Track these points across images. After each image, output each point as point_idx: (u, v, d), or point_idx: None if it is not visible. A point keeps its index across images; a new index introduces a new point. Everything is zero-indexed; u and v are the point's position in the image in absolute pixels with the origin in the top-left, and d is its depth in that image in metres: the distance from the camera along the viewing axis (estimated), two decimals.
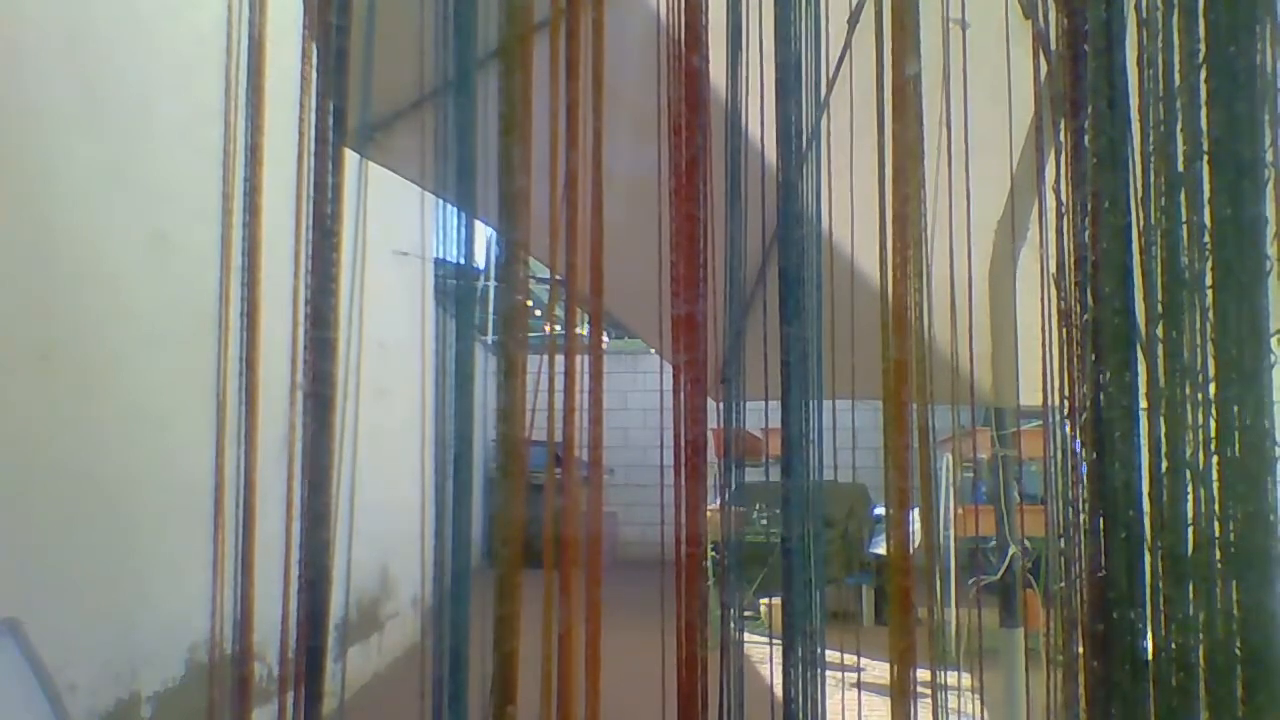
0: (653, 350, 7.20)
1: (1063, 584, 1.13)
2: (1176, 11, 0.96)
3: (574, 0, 1.04)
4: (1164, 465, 0.95)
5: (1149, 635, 0.96)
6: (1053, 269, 1.18)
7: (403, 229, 4.72)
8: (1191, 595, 0.93)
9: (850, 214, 1.49)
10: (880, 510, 7.32)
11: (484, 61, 1.01)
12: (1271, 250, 0.91)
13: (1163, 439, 0.95)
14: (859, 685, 2.17)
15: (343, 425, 1.11)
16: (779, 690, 1.08)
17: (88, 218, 2.91)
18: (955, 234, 1.66)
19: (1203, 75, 0.93)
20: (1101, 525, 0.99)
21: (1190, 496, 0.93)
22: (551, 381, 1.03)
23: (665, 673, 1.08)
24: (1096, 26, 1.00)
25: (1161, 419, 0.96)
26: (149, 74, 3.19)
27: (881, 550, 6.69)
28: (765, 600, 6.67)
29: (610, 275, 1.08)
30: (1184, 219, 0.95)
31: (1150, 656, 0.95)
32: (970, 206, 1.64)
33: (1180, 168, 0.96)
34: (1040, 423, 1.35)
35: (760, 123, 1.14)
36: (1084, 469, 1.03)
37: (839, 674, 2.20)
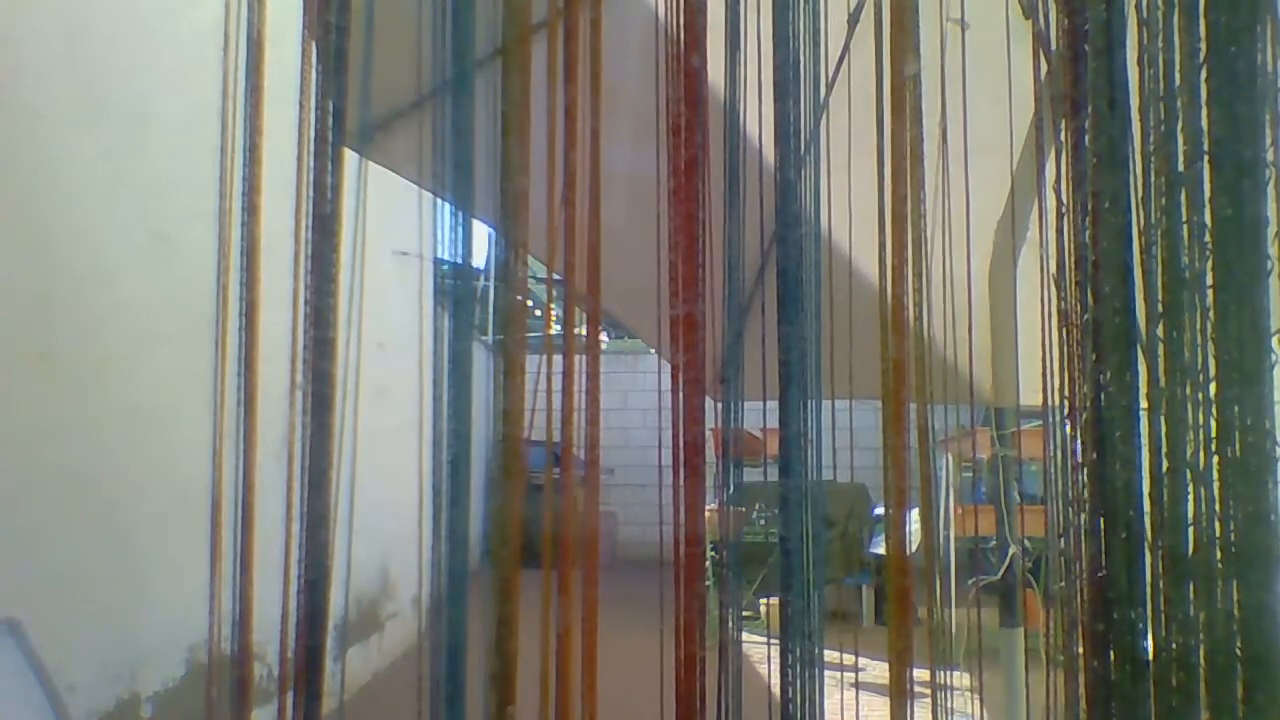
0: (652, 350, 7.20)
1: (1063, 584, 1.13)
2: (1177, 11, 0.96)
3: (572, 0, 1.04)
4: (1164, 465, 0.95)
5: (1149, 635, 0.96)
6: (1053, 269, 1.17)
7: (403, 229, 4.71)
8: (1192, 595, 0.93)
9: (849, 214, 1.49)
10: (880, 510, 7.32)
11: (483, 61, 1.01)
12: (1272, 250, 0.91)
13: (1163, 439, 0.95)
14: (857, 685, 2.17)
15: (342, 425, 1.11)
16: (777, 690, 1.08)
17: (88, 217, 2.90)
18: (955, 234, 1.66)
19: (1203, 75, 0.93)
20: (1101, 525, 0.99)
21: (1191, 496, 0.93)
22: (550, 381, 1.03)
23: (664, 672, 1.08)
24: (1096, 26, 1.00)
25: (1162, 419, 0.95)
26: (149, 74, 3.19)
27: (882, 550, 6.69)
28: (764, 600, 6.67)
29: (609, 275, 1.08)
30: (1184, 219, 0.95)
31: (1150, 657, 0.95)
32: (970, 206, 1.64)
33: (1181, 168, 0.95)
34: (1040, 423, 1.35)
35: (759, 123, 1.14)
36: (1084, 469, 1.03)
37: (838, 674, 2.20)
